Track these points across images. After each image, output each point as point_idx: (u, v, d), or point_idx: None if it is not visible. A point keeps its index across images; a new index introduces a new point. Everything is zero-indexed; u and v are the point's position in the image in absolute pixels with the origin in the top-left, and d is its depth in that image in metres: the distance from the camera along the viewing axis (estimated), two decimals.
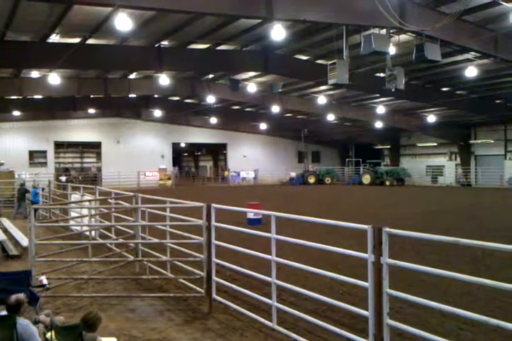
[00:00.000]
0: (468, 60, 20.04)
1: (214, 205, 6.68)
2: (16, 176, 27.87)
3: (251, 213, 14.32)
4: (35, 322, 4.88)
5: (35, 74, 24.26)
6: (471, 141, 38.67)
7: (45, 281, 5.78)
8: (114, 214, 11.09)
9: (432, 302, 4.21)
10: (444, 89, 27.12)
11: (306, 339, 5.32)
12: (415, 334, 4.37)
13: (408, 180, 40.35)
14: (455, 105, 28.84)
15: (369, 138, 45.07)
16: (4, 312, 4.68)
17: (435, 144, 41.41)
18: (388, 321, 4.32)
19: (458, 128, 37.65)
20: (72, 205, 13.52)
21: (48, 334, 4.61)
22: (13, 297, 4.68)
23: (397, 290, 4.40)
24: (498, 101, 29.75)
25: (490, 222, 15.40)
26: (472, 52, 18.42)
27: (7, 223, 15.32)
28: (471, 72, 20.01)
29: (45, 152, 38.26)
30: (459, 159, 39.68)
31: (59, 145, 40.49)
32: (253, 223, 14.11)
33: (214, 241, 6.72)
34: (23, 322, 4.53)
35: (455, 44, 16.33)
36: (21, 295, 4.78)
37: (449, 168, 40.60)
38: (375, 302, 4.36)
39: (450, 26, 13.98)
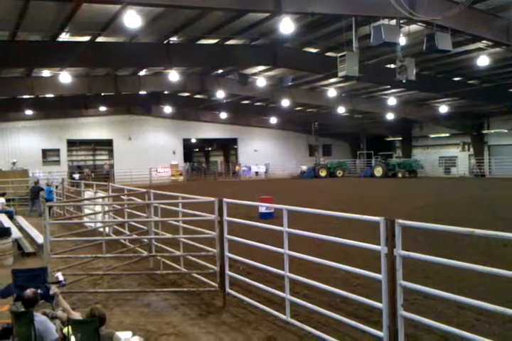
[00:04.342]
0: (480, 49, 19.76)
1: (226, 200, 6.70)
2: (30, 175, 28.21)
3: (263, 207, 14.35)
4: (52, 318, 4.94)
5: (46, 73, 24.46)
6: (484, 131, 38.17)
7: (60, 277, 5.84)
8: (127, 210, 11.18)
9: (446, 293, 4.18)
10: (456, 78, 26.77)
11: (320, 331, 5.33)
12: (430, 326, 4.36)
13: (421, 172, 39.98)
14: (467, 95, 28.45)
15: (380, 130, 44.73)
16: (22, 309, 4.76)
17: (447, 135, 40.98)
18: (402, 313, 4.30)
19: (470, 118, 37.19)
20: (86, 202, 13.64)
21: (65, 330, 4.68)
22: (29, 291, 4.76)
23: (411, 282, 4.38)
24: (511, 90, 29.29)
25: (505, 213, 15.22)
26: (484, 41, 18.16)
27: (22, 221, 15.53)
28: (483, 61, 19.72)
29: (58, 150, 38.62)
30: (472, 149, 39.23)
31: (71, 144, 40.79)
32: (265, 217, 14.15)
33: (226, 236, 6.75)
34: (40, 318, 4.61)
35: (466, 33, 16.09)
36: (36, 290, 4.87)
37: (462, 159, 40.18)
38: (388, 294, 4.35)
39: (461, 15, 13.76)
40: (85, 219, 13.39)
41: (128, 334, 5.13)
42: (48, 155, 38.60)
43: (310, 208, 6.08)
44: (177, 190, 11.77)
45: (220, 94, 30.38)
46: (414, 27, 16.19)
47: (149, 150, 40.78)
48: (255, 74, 26.51)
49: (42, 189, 19.44)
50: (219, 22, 17.26)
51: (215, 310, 6.63)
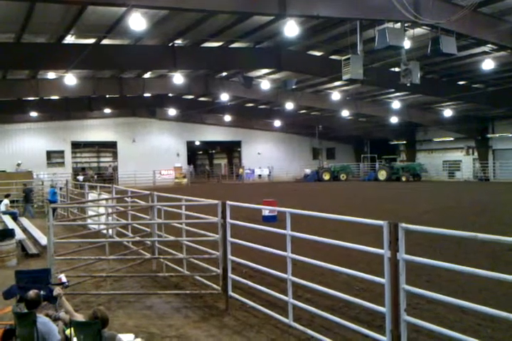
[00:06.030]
0: (485, 53, 19.72)
1: (229, 203, 6.70)
2: (34, 176, 28.29)
3: (266, 210, 14.35)
4: (55, 320, 4.95)
5: (51, 75, 24.57)
6: (489, 135, 38.01)
7: (64, 279, 5.86)
8: (131, 212, 11.19)
9: (450, 298, 4.17)
10: (461, 82, 26.71)
11: (322, 335, 5.31)
12: (433, 331, 4.34)
13: (425, 176, 39.86)
14: (472, 99, 28.36)
15: (384, 133, 44.63)
16: (24, 310, 4.76)
17: (452, 139, 40.85)
18: (405, 317, 4.28)
19: (475, 122, 37.07)
20: (90, 204, 13.68)
21: (68, 332, 4.68)
22: (32, 292, 4.77)
23: (414, 286, 4.36)
24: None
25: (509, 217, 15.15)
26: (489, 45, 18.12)
27: (26, 222, 15.57)
28: (488, 64, 19.68)
29: (62, 152, 38.76)
30: (476, 153, 39.09)
31: (76, 145, 40.97)
32: (268, 220, 14.13)
33: (229, 239, 6.74)
34: (43, 320, 4.61)
35: (471, 37, 16.07)
36: (39, 291, 4.87)
37: (466, 163, 40.05)
38: (391, 299, 4.33)
39: (466, 19, 13.75)
40: (89, 220, 13.41)
41: (130, 336, 5.12)
42: (53, 157, 38.75)
43: (314, 211, 6.07)
44: (180, 193, 11.79)
45: (225, 97, 30.43)
46: (418, 30, 16.18)
47: (153, 152, 40.86)
48: (259, 77, 26.56)
49: (32, 190, 20.03)
50: (223, 25, 17.31)
51: (217, 312, 6.62)
